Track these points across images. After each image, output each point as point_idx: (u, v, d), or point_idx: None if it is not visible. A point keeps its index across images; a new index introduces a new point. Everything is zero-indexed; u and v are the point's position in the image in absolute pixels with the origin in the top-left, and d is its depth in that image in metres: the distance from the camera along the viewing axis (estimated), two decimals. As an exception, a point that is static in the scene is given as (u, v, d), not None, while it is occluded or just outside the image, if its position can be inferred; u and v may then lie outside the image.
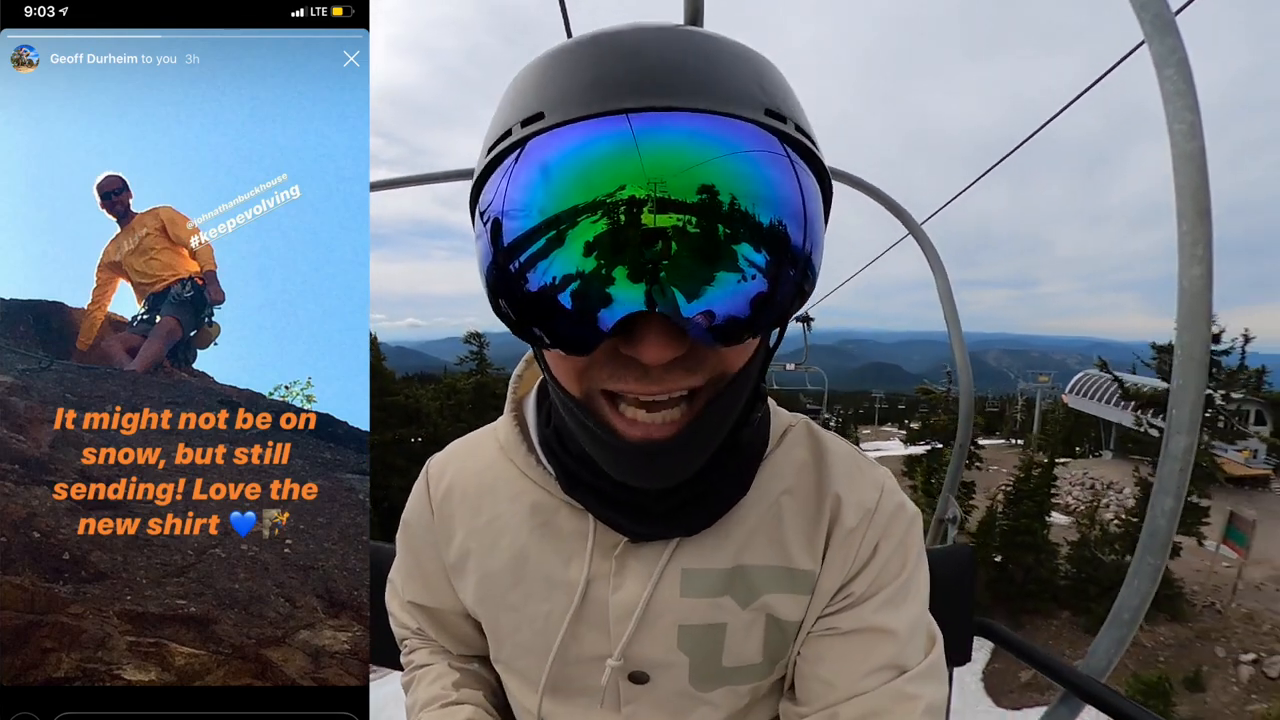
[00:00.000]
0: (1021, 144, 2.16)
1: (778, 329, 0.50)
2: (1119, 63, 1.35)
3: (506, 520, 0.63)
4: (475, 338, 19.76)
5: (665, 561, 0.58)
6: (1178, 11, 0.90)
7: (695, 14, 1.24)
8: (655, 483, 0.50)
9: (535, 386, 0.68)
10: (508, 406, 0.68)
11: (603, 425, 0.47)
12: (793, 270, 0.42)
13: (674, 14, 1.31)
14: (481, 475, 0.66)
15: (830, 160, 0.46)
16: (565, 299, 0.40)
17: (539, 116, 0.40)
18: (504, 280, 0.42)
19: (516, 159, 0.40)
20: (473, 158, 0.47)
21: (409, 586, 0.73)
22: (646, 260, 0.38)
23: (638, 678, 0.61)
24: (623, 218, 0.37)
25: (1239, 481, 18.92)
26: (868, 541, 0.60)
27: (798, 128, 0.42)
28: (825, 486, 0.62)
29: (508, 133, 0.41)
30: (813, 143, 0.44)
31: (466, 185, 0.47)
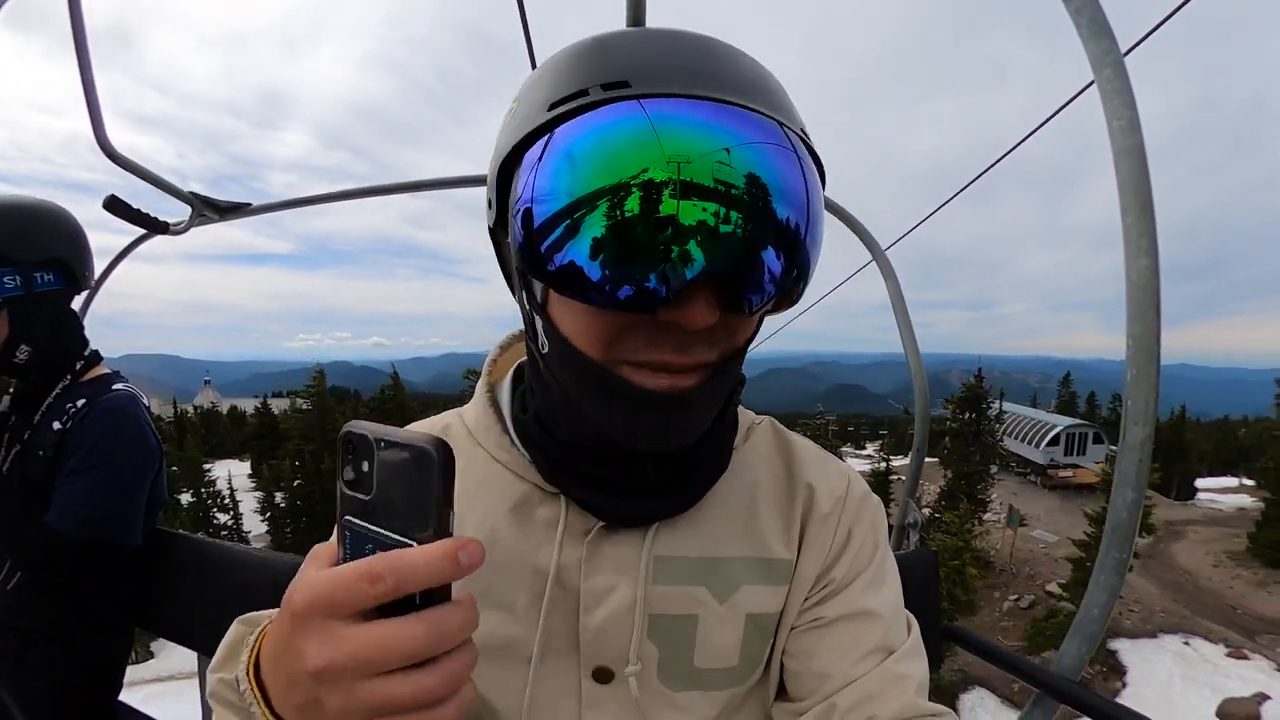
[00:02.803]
0: (982, 174, 2.23)
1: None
2: (1079, 93, 1.40)
3: (478, 505, 0.61)
4: (474, 374, 22.20)
5: (641, 548, 0.58)
6: (1127, 52, 0.91)
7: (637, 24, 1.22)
8: (668, 439, 0.50)
9: (510, 371, 0.68)
10: (480, 389, 0.66)
11: (625, 382, 0.47)
12: (808, 257, 0.46)
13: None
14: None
15: None
16: (637, 248, 0.40)
17: (624, 84, 0.42)
18: (568, 230, 0.42)
19: (584, 121, 0.42)
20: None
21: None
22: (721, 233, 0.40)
23: (601, 676, 0.58)
24: (700, 180, 0.39)
25: (1090, 488, 26.31)
26: (842, 527, 0.62)
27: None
28: (797, 477, 0.64)
29: (584, 91, 0.42)
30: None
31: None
